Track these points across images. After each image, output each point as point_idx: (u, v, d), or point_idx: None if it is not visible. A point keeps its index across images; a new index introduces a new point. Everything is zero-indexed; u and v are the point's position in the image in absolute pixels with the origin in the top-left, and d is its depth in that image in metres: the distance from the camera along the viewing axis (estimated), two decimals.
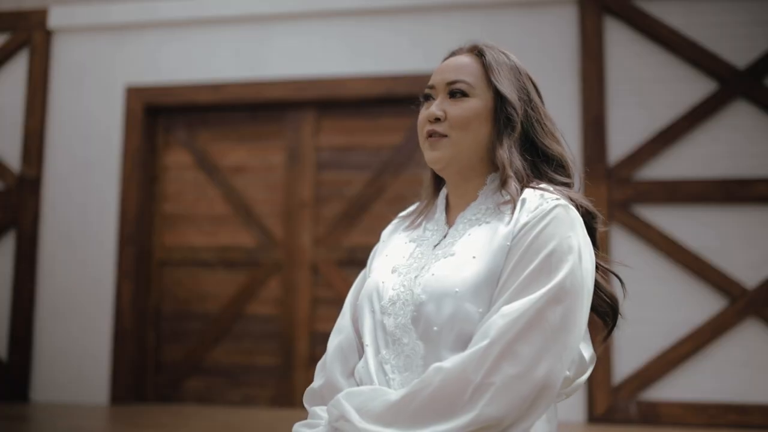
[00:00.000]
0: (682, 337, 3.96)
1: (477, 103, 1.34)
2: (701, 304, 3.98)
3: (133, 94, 4.76)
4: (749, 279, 3.96)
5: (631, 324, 4.03)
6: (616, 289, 1.40)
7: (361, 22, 4.55)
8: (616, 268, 1.39)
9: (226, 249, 4.70)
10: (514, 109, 1.34)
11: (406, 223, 1.48)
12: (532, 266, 1.19)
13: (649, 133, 4.14)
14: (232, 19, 4.69)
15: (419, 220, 1.45)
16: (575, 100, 4.23)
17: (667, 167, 4.11)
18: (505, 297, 1.19)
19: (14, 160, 4.83)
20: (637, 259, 4.06)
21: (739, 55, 4.10)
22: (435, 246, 1.35)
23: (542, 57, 4.29)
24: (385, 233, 1.51)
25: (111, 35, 4.82)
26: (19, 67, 4.91)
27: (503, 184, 1.31)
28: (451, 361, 1.16)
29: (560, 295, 1.18)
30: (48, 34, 4.87)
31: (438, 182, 1.47)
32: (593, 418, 3.99)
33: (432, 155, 1.35)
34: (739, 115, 4.08)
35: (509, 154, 1.32)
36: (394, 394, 1.19)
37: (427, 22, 4.43)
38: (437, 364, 1.17)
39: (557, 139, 1.39)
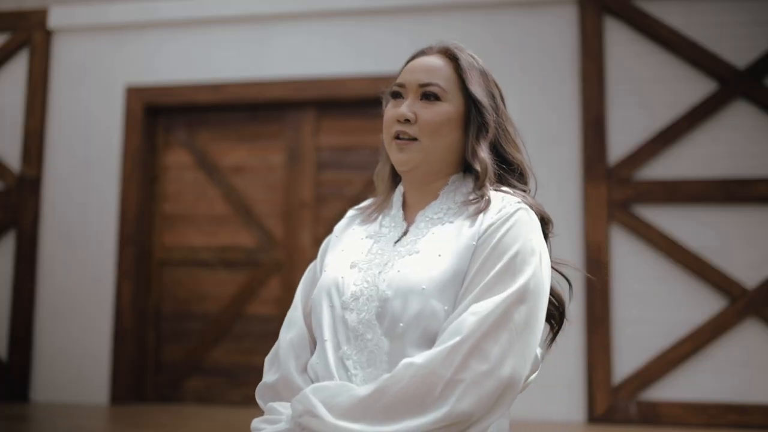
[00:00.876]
0: (682, 337, 3.96)
1: (449, 108, 1.34)
2: (701, 304, 3.98)
3: (133, 94, 4.76)
4: (749, 279, 3.96)
5: (631, 324, 4.03)
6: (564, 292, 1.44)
7: (361, 22, 4.55)
8: (565, 272, 1.43)
9: (226, 249, 4.70)
10: (488, 113, 1.35)
11: (361, 218, 1.47)
12: (498, 267, 1.21)
13: (649, 133, 4.14)
14: (232, 19, 4.69)
15: (374, 216, 1.45)
16: (575, 100, 4.23)
17: (667, 167, 4.11)
18: (473, 295, 1.21)
19: (14, 160, 4.83)
20: (637, 259, 4.06)
21: (739, 55, 4.10)
22: (395, 242, 1.36)
23: (542, 57, 4.29)
24: (338, 228, 1.50)
25: (111, 35, 4.82)
26: (19, 67, 4.91)
27: (481, 186, 1.32)
28: (423, 357, 1.17)
29: (524, 296, 1.20)
30: (48, 34, 4.87)
31: (395, 178, 1.47)
32: (593, 418, 3.99)
33: (400, 157, 1.35)
34: (739, 115, 4.08)
35: (488, 157, 1.33)
36: (362, 389, 1.18)
37: (427, 22, 4.43)
38: (408, 359, 1.18)
39: (518, 147, 1.40)
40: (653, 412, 3.95)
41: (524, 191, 1.37)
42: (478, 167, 1.33)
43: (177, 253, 4.77)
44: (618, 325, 4.04)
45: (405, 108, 1.35)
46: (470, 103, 1.35)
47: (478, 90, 1.35)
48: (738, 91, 4.06)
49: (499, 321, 1.17)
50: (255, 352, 4.58)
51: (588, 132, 4.17)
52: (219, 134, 4.81)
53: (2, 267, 4.77)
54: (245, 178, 4.74)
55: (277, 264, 4.61)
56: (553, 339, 1.40)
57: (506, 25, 4.34)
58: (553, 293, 1.36)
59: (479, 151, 1.33)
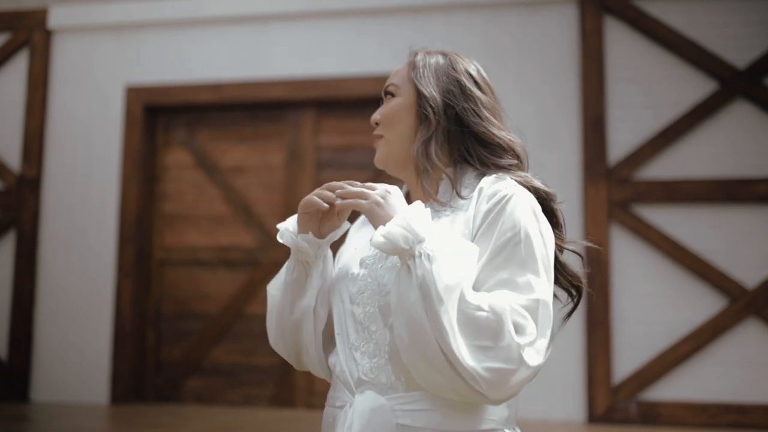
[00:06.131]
0: (682, 337, 3.96)
1: (399, 101, 1.44)
2: (701, 304, 3.98)
3: (133, 94, 4.76)
4: (749, 279, 3.96)
5: (631, 324, 4.03)
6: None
7: (361, 22, 4.55)
8: (577, 246, 1.43)
9: (226, 249, 4.70)
10: (430, 104, 1.40)
11: None
12: (501, 257, 1.24)
13: (649, 133, 4.14)
14: (232, 19, 4.69)
15: None
16: (575, 100, 4.23)
17: (667, 167, 4.11)
18: (488, 287, 1.23)
19: (14, 160, 4.83)
20: (637, 259, 4.06)
21: (739, 55, 4.09)
22: None
23: (542, 57, 4.29)
24: (354, 227, 1.58)
25: (111, 35, 4.82)
26: (19, 66, 4.91)
27: (426, 176, 1.37)
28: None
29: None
30: (48, 34, 4.87)
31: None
32: (593, 418, 3.99)
33: (376, 157, 1.46)
34: (740, 114, 4.08)
35: (422, 146, 1.38)
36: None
37: (427, 22, 4.43)
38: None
39: (497, 125, 1.42)
40: (653, 412, 3.95)
41: (515, 165, 1.39)
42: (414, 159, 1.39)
43: (177, 253, 4.77)
44: (618, 325, 4.04)
45: (376, 113, 1.46)
46: (419, 95, 1.42)
47: (424, 82, 1.42)
48: (738, 91, 4.06)
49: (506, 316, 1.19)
50: (255, 352, 4.58)
51: (588, 132, 4.17)
52: (219, 134, 4.81)
53: (2, 267, 4.77)
54: (245, 177, 4.74)
55: (277, 264, 4.60)
56: (569, 314, 1.42)
57: (506, 25, 4.34)
58: (566, 269, 1.38)
59: (415, 143, 1.39)
